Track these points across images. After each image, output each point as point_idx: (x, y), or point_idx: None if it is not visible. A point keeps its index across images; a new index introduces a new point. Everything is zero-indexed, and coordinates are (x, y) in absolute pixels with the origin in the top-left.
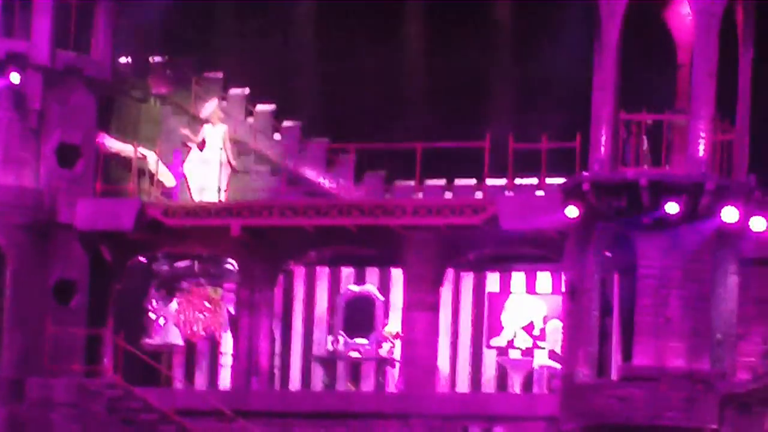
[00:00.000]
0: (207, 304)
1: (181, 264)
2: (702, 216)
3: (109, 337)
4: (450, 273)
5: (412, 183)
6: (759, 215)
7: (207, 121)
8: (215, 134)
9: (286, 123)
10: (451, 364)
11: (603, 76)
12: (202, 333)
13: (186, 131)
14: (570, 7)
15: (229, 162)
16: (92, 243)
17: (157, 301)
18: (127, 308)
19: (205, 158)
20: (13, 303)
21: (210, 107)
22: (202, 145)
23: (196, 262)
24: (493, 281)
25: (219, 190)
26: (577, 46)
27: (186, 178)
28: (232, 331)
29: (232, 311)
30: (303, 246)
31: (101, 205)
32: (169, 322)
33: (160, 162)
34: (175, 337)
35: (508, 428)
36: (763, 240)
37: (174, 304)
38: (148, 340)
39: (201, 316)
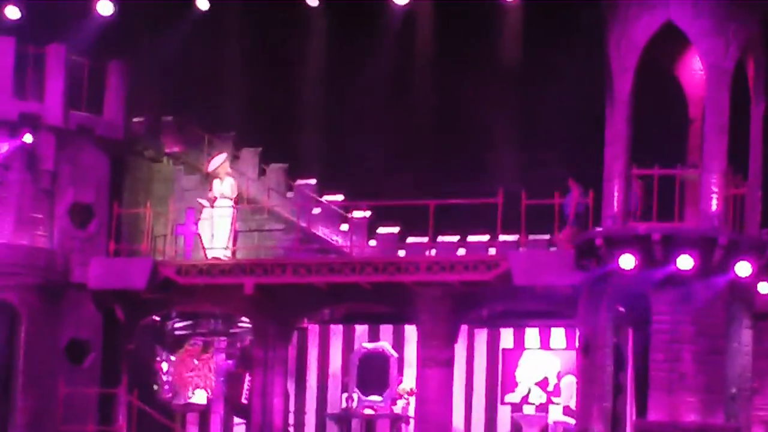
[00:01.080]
0: (195, 362)
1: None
2: (715, 271)
3: (122, 396)
4: (464, 329)
5: (425, 239)
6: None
7: (215, 176)
8: (223, 189)
9: (300, 181)
10: (466, 420)
11: (614, 130)
12: (191, 394)
13: (200, 199)
14: (580, 61)
15: (234, 217)
16: (105, 302)
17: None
18: (140, 367)
19: (214, 213)
20: (26, 363)
21: (217, 162)
22: (212, 202)
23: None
24: (506, 337)
25: (227, 246)
26: (588, 100)
27: (200, 237)
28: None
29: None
30: (316, 304)
31: (114, 264)
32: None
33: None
34: (199, 398)
35: None
36: None
37: (165, 365)
38: (174, 401)
39: (190, 375)
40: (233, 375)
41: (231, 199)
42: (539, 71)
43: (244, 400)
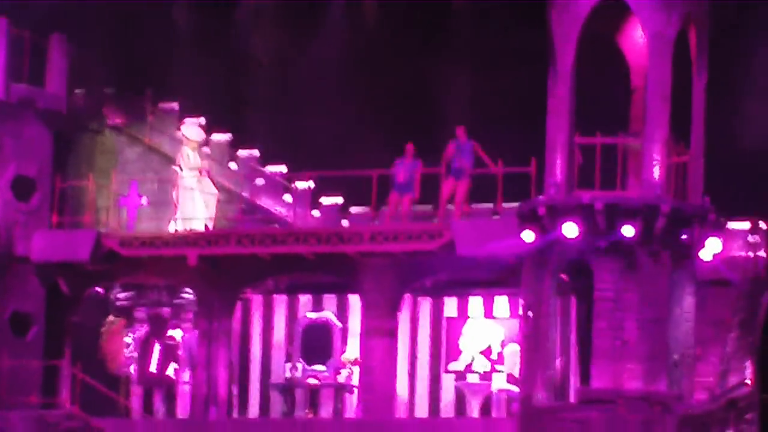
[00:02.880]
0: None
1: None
2: (657, 238)
3: (66, 368)
4: (407, 299)
5: (368, 210)
6: (714, 236)
7: (189, 145)
8: (195, 158)
9: (242, 152)
10: (410, 389)
11: (557, 100)
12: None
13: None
14: (525, 32)
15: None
16: (49, 275)
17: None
18: (83, 339)
19: (190, 185)
20: None
21: (198, 132)
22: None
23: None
24: (450, 306)
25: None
26: (532, 69)
27: (176, 207)
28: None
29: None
30: (260, 274)
31: (57, 236)
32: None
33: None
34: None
35: None
36: (718, 261)
37: (128, 339)
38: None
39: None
40: (143, 344)
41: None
42: (484, 44)
43: (152, 370)
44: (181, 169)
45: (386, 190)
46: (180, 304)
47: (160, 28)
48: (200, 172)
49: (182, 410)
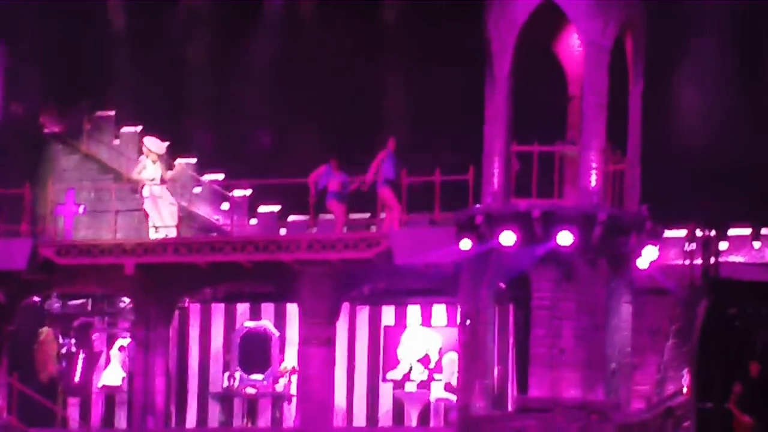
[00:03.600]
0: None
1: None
2: (594, 246)
3: (2, 377)
4: (345, 307)
5: (306, 218)
6: (651, 245)
7: (149, 157)
8: (156, 168)
9: (180, 160)
10: (348, 398)
11: (494, 108)
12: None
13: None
14: (463, 38)
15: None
16: None
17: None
18: (20, 348)
19: (158, 193)
20: None
21: (157, 144)
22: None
23: (89, 301)
24: (388, 315)
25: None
26: (470, 77)
27: (147, 216)
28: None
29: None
30: (197, 283)
31: None
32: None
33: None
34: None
35: None
36: (655, 270)
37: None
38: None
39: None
40: (67, 354)
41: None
42: (423, 50)
43: (76, 379)
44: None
45: (323, 198)
46: (116, 313)
47: (96, 36)
48: (163, 182)
49: (119, 420)
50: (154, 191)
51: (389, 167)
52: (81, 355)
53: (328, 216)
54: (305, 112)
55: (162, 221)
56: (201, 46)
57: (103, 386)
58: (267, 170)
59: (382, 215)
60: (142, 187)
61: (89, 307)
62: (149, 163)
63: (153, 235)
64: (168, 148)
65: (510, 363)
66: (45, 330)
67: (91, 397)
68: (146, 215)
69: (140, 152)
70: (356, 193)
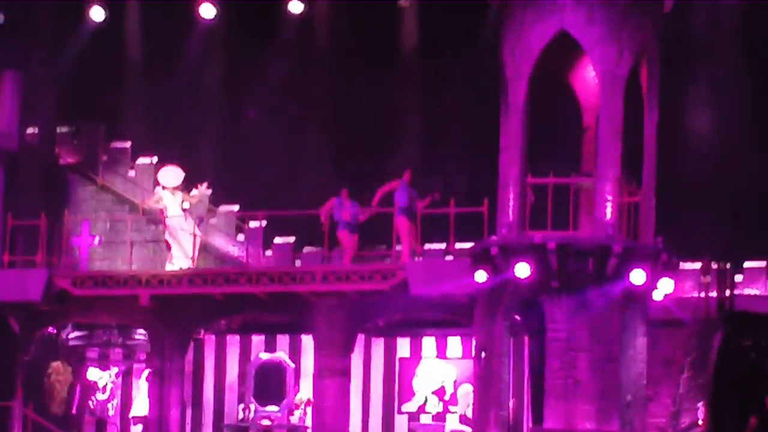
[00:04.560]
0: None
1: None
2: (609, 278)
3: (18, 408)
4: (360, 339)
5: (320, 249)
6: (666, 277)
7: (167, 188)
8: (176, 201)
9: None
10: (363, 430)
11: (509, 138)
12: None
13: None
14: (478, 71)
15: (197, 225)
16: (0, 314)
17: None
18: (35, 379)
19: (181, 225)
20: None
21: (176, 178)
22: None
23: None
24: (403, 346)
25: (190, 257)
26: (484, 109)
27: (169, 247)
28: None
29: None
30: (213, 314)
31: (9, 276)
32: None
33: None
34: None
35: None
36: (670, 302)
37: (102, 381)
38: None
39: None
40: (70, 385)
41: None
42: (438, 79)
43: (73, 411)
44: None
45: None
46: (132, 345)
47: (112, 65)
48: (185, 214)
49: None
50: (173, 223)
51: (403, 196)
52: (78, 388)
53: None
54: (319, 141)
55: (183, 254)
56: (214, 75)
57: (134, 417)
58: (281, 201)
59: (398, 247)
60: (165, 219)
61: (104, 338)
62: (167, 195)
63: (170, 267)
64: (185, 178)
65: (525, 394)
66: (56, 363)
67: (83, 428)
68: (168, 247)
69: (156, 183)
70: (371, 225)
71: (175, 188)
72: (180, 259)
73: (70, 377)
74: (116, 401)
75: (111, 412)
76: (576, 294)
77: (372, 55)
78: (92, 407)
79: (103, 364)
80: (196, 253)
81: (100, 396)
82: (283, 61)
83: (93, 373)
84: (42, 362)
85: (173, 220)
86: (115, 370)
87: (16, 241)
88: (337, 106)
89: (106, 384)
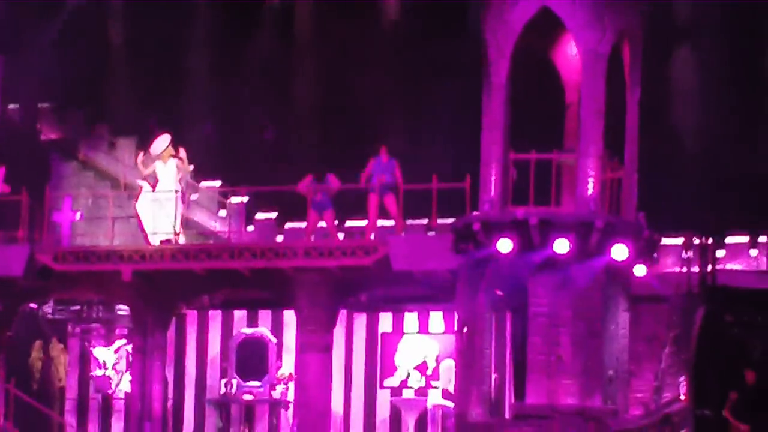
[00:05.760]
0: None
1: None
2: (591, 254)
3: (0, 384)
4: (343, 314)
5: (303, 225)
6: (647, 252)
7: (157, 158)
8: (167, 171)
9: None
10: (345, 405)
11: (492, 115)
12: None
13: (140, 181)
14: (461, 46)
15: (184, 195)
16: None
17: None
18: (17, 355)
19: (157, 197)
20: None
21: (161, 144)
22: (154, 185)
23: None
24: (386, 322)
25: (175, 230)
26: (468, 85)
27: (139, 219)
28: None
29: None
30: (195, 290)
31: None
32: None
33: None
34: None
35: None
36: (652, 277)
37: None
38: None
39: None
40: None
41: (177, 182)
42: (420, 58)
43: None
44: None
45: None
46: (113, 320)
47: (95, 42)
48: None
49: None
50: (152, 195)
51: (386, 173)
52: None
53: (325, 223)
54: (302, 119)
55: (156, 226)
56: (198, 53)
57: (125, 393)
58: (264, 177)
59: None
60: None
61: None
62: (159, 165)
63: (154, 241)
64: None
65: (507, 370)
66: (55, 343)
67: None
68: (139, 220)
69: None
70: (353, 201)
71: (167, 156)
72: (156, 234)
73: (64, 354)
74: (120, 377)
75: (114, 388)
76: (558, 270)
77: (355, 36)
78: (96, 383)
79: (108, 341)
80: (179, 227)
81: (102, 372)
82: (267, 43)
83: (99, 351)
84: (24, 338)
85: (160, 193)
86: (117, 344)
87: None
88: (321, 87)
89: (107, 361)
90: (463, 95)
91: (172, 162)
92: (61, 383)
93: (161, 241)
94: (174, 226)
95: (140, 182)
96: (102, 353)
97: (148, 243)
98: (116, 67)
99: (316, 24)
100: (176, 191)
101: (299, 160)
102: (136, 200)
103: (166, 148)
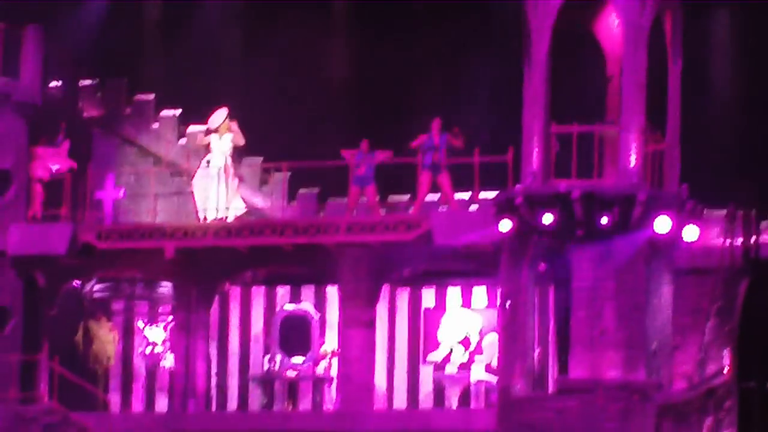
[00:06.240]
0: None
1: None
2: (634, 227)
3: (44, 362)
4: (385, 290)
5: (345, 200)
6: (691, 224)
7: (215, 132)
8: (221, 145)
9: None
10: (388, 380)
11: (533, 88)
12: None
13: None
14: (501, 20)
15: (234, 172)
16: (25, 268)
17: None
18: (61, 333)
19: (210, 173)
20: None
21: (219, 117)
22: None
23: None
24: (428, 297)
25: (225, 206)
26: (508, 57)
27: (193, 195)
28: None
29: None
30: (238, 266)
31: (34, 230)
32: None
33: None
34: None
35: None
36: (695, 249)
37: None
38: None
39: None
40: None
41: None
42: (460, 30)
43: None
44: (208, 163)
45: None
46: (157, 297)
47: (133, 20)
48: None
49: (160, 403)
50: (206, 171)
51: (439, 151)
52: None
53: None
54: (343, 93)
55: (213, 202)
56: (236, 30)
57: (169, 370)
58: (305, 153)
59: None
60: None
61: (129, 291)
62: (214, 137)
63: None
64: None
65: (550, 344)
66: (104, 322)
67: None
68: (193, 196)
69: (181, 135)
70: (395, 175)
71: (225, 130)
72: (206, 211)
73: (113, 333)
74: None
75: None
76: (601, 243)
77: (393, 12)
78: (147, 361)
79: (152, 318)
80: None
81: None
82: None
83: (149, 331)
84: (67, 316)
85: (212, 169)
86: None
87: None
88: (360, 62)
89: (156, 338)
90: (502, 68)
91: (228, 136)
92: (110, 362)
93: (214, 220)
94: (227, 203)
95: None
96: (152, 331)
97: (199, 220)
98: (156, 42)
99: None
100: (228, 166)
101: (340, 134)
102: (193, 177)
103: (223, 122)
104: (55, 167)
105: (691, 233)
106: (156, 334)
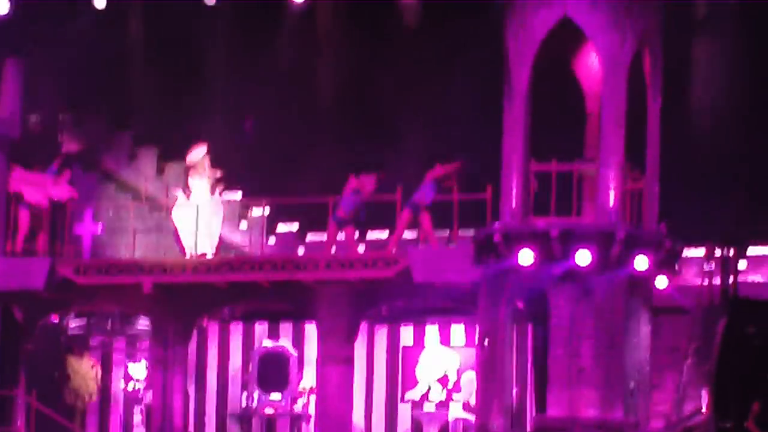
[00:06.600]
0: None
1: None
2: (613, 265)
3: (21, 397)
4: (364, 326)
5: (324, 237)
6: (669, 263)
7: (193, 168)
8: (201, 183)
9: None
10: (366, 418)
11: (512, 124)
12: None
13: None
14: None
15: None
16: (3, 302)
17: None
18: (38, 368)
19: (195, 209)
20: None
21: (197, 155)
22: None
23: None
24: (407, 334)
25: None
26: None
27: (176, 229)
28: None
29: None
30: (216, 302)
31: (12, 264)
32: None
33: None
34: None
35: None
36: (673, 288)
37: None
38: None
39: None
40: None
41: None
42: (441, 65)
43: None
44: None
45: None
46: (135, 333)
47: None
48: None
49: None
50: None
51: (429, 194)
52: None
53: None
54: (323, 129)
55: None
56: (218, 62)
57: (146, 406)
58: (285, 188)
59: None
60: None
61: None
62: (195, 180)
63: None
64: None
65: (528, 382)
66: (87, 358)
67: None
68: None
69: (160, 171)
70: (374, 212)
71: (202, 167)
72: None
73: (93, 370)
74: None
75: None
76: (579, 281)
77: (375, 42)
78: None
79: (130, 355)
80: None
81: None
82: (286, 48)
83: (132, 368)
84: (45, 351)
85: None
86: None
87: (19, 228)
88: (340, 93)
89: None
90: (483, 104)
91: (207, 172)
92: (91, 398)
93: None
94: (213, 241)
95: (177, 193)
96: (134, 368)
97: (185, 254)
98: (136, 75)
99: (335, 29)
100: (213, 204)
101: (319, 170)
102: (171, 211)
103: (201, 159)
104: (54, 196)
105: (661, 282)
106: (139, 370)
